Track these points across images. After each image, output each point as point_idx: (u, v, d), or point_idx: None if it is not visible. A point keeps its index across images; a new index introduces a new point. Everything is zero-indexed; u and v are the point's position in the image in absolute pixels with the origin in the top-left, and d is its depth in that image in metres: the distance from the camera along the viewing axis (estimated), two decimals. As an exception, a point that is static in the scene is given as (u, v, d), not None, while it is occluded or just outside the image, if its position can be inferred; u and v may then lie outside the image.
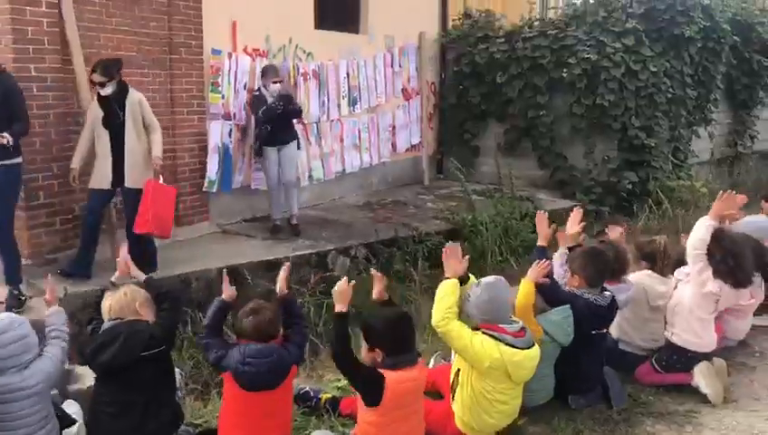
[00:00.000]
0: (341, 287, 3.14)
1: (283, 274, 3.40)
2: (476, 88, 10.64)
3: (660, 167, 9.68)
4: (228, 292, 3.26)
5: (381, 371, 2.89)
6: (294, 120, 7.29)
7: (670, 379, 3.85)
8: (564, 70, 9.72)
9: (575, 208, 4.38)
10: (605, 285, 3.74)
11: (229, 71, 7.23)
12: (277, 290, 3.34)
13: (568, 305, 3.54)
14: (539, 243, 4.08)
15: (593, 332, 3.57)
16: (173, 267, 6.01)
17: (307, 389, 3.82)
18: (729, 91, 11.74)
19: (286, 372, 3.01)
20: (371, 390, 2.87)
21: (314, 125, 8.44)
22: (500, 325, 3.15)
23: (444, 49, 11.05)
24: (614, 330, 4.13)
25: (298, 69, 8.15)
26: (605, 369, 3.73)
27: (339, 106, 8.91)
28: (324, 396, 3.72)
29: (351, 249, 7.14)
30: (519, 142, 10.59)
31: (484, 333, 3.15)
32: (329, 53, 8.70)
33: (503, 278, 3.34)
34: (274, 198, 7.25)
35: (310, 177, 8.42)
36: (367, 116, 9.44)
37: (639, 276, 4.07)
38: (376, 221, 8.15)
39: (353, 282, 3.21)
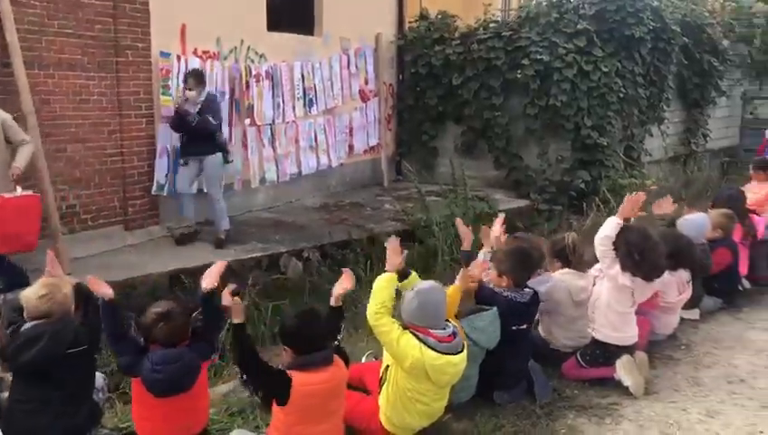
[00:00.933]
0: (236, 303, 3.09)
1: (215, 268, 3.20)
2: (433, 90, 10.72)
3: (613, 166, 9.85)
4: (104, 290, 3.07)
5: (290, 371, 2.90)
6: (218, 131, 6.92)
7: (594, 373, 3.91)
8: (518, 71, 9.84)
9: (499, 214, 4.39)
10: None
11: (179, 73, 7.20)
12: (203, 285, 3.12)
13: (495, 310, 3.57)
14: (463, 247, 4.12)
15: (514, 328, 3.62)
16: (119, 272, 5.98)
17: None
18: (681, 90, 11.97)
19: (197, 372, 3.01)
20: (277, 392, 2.89)
21: (268, 127, 8.44)
22: (429, 329, 3.15)
23: (401, 51, 11.11)
24: (542, 331, 4.20)
25: (250, 71, 8.14)
26: (531, 364, 3.78)
27: (294, 108, 8.91)
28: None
29: (304, 252, 7.15)
30: (476, 143, 10.69)
31: (412, 332, 3.16)
32: (282, 54, 8.70)
33: (438, 284, 3.32)
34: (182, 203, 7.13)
35: (262, 179, 8.41)
36: (323, 118, 9.46)
37: (558, 276, 4.14)
38: (331, 223, 8.18)
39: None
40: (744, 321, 4.95)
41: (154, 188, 6.99)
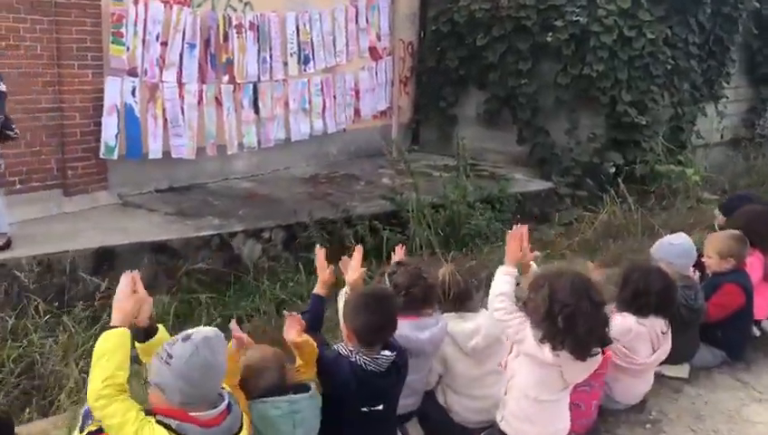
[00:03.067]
0: None
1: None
2: (455, 50, 9.55)
3: (651, 149, 8.52)
4: None
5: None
6: None
7: (497, 470, 2.83)
8: (550, 33, 8.57)
9: (351, 252, 3.14)
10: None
11: (136, 19, 6.31)
12: None
13: (311, 393, 2.47)
14: (315, 289, 3.00)
15: (364, 409, 2.52)
16: (37, 245, 5.23)
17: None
18: (749, 64, 10.38)
19: None
20: None
21: (249, 86, 7.49)
22: (191, 412, 2.07)
23: (424, 4, 9.93)
24: (439, 398, 3.06)
25: (230, 20, 7.17)
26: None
27: (286, 65, 7.93)
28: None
29: (265, 232, 6.25)
30: (500, 113, 9.51)
31: (158, 421, 2.07)
32: (272, 3, 7.69)
33: (214, 337, 2.13)
34: None
35: (240, 144, 7.50)
36: (321, 77, 8.44)
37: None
38: (313, 198, 7.23)
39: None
40: (749, 386, 3.59)
41: (102, 150, 6.18)
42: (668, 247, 3.59)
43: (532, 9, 8.76)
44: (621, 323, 3.13)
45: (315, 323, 2.91)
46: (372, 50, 9.23)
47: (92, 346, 4.44)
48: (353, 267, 3.01)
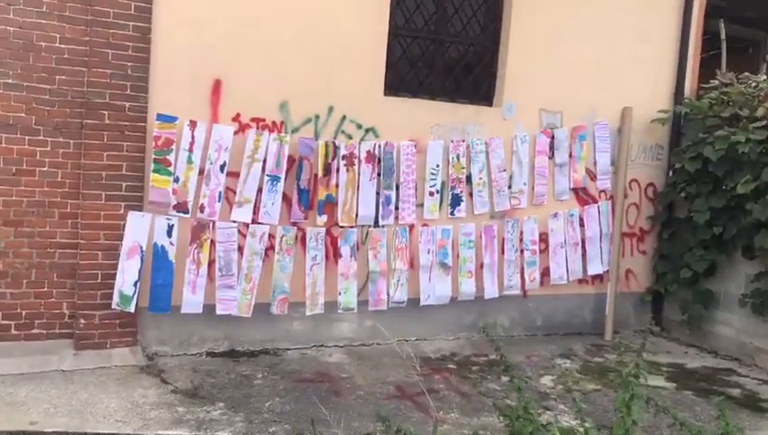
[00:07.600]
0: None
1: None
2: (705, 199, 6.50)
3: None
4: None
5: None
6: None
7: None
8: None
9: None
10: None
11: (192, 145, 5.18)
12: None
13: None
14: None
15: None
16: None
17: None
18: None
19: None
20: None
21: (352, 231, 5.77)
22: None
23: (676, 133, 7.13)
24: None
25: (338, 150, 5.64)
26: None
27: (421, 206, 6.05)
28: None
29: (266, 445, 4.32)
30: (776, 297, 6.10)
31: None
32: (409, 129, 5.96)
33: None
34: None
35: (336, 304, 5.74)
36: (479, 225, 6.29)
37: None
38: (398, 396, 5.07)
39: None
40: None
41: (115, 299, 5.02)
42: None
43: (829, 142, 5.45)
44: None
45: None
46: (580, 192, 6.76)
47: None
48: None
